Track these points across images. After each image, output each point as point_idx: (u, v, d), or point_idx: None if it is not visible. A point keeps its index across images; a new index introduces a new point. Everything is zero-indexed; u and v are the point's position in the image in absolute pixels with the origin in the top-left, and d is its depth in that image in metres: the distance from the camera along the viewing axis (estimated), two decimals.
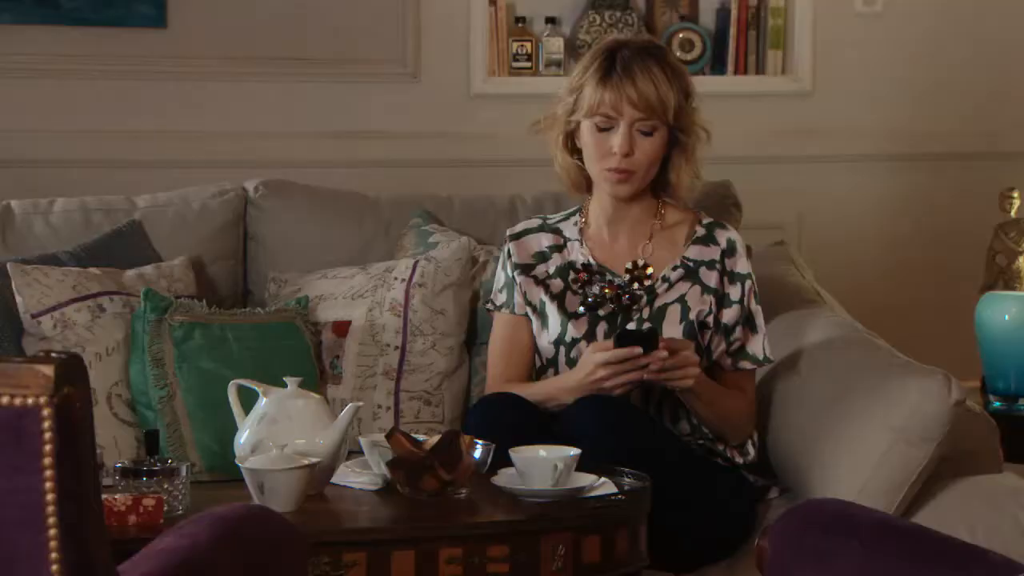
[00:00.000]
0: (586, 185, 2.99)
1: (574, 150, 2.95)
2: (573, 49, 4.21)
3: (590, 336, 2.90)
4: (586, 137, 2.89)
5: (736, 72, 4.28)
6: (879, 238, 4.37)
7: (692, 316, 2.88)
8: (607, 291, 2.92)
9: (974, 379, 3.67)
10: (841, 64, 4.31)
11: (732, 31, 4.26)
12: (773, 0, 4.27)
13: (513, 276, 2.99)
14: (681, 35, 4.26)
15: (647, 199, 2.97)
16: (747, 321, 2.92)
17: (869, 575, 1.96)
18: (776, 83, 4.30)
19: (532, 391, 2.85)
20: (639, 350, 2.70)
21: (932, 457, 2.69)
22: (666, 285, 2.92)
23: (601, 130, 2.87)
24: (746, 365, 2.92)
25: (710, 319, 2.90)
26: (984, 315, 3.63)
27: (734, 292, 2.92)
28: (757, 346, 2.92)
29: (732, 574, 2.73)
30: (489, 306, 3.05)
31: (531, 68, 4.20)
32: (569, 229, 3.02)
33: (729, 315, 2.91)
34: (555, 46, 4.20)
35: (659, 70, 2.86)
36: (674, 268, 2.93)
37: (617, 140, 2.85)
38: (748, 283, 2.93)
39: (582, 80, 2.89)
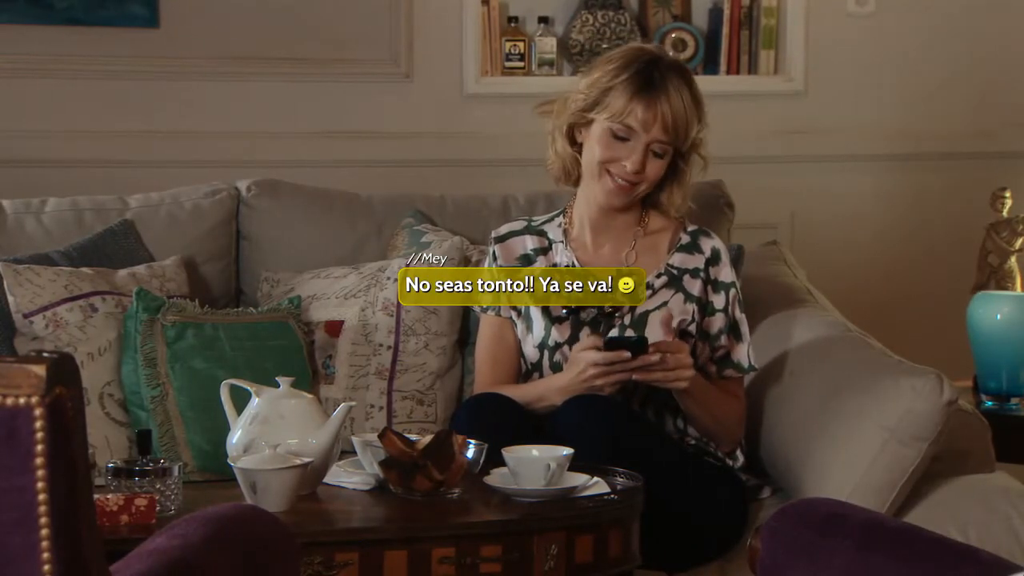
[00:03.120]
0: (576, 178, 2.98)
1: (573, 142, 2.94)
2: (566, 49, 4.22)
3: (573, 340, 2.90)
4: (597, 137, 2.87)
5: (729, 72, 4.28)
6: (871, 238, 4.37)
7: (674, 324, 2.88)
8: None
9: (966, 379, 3.67)
10: (833, 64, 4.32)
11: (725, 31, 4.26)
12: (766, 0, 4.27)
13: None
14: (674, 35, 4.26)
15: (632, 207, 2.96)
16: (732, 329, 2.92)
17: (861, 574, 1.96)
18: (769, 83, 4.30)
19: (522, 392, 2.85)
20: (627, 354, 2.70)
21: (924, 456, 2.69)
22: (649, 292, 2.92)
23: (616, 137, 2.86)
24: (731, 373, 2.92)
25: (692, 327, 2.90)
26: (976, 315, 3.63)
27: (718, 301, 2.91)
28: (742, 354, 2.92)
29: (724, 574, 2.73)
30: (476, 308, 3.05)
31: (524, 68, 4.20)
32: (553, 231, 3.02)
33: (714, 324, 2.91)
34: (548, 46, 4.20)
35: (689, 95, 2.86)
36: (658, 275, 2.93)
37: (633, 156, 2.83)
38: (732, 292, 2.92)
39: (612, 83, 2.84)
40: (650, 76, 2.84)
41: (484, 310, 3.01)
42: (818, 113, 4.32)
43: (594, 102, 2.87)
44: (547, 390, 2.82)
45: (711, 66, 4.29)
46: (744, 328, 2.93)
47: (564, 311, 2.93)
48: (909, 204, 4.37)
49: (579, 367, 2.74)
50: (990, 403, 3.57)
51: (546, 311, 2.94)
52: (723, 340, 2.91)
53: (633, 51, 2.91)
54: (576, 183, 2.99)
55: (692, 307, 2.90)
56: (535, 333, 2.94)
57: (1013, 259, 3.87)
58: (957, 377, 3.11)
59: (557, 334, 2.92)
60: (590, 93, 2.88)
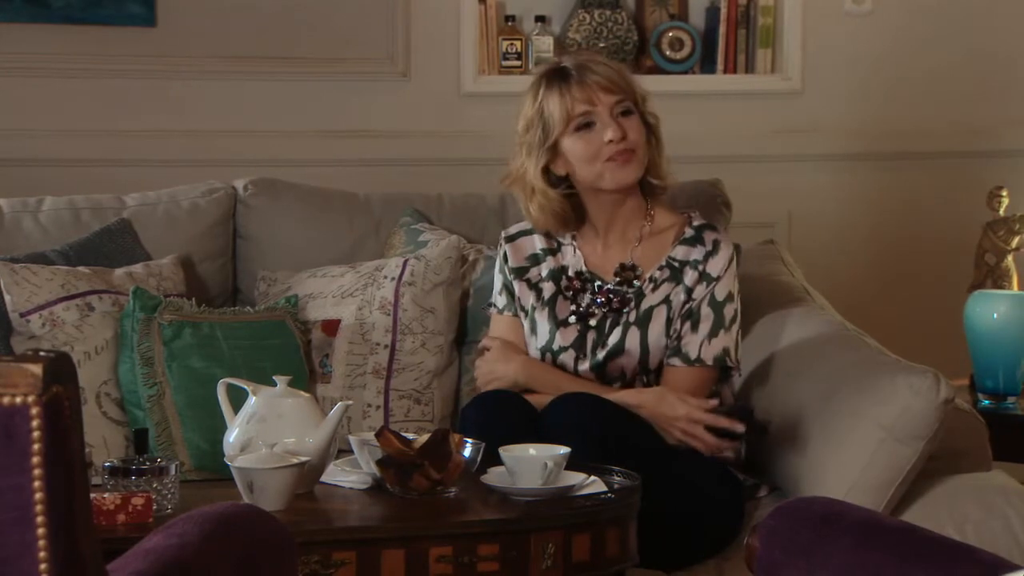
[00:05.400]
0: (574, 218, 2.97)
1: (554, 183, 2.93)
2: (563, 48, 4.21)
3: (578, 346, 2.90)
4: (572, 148, 2.88)
5: (726, 71, 4.28)
6: (868, 237, 4.37)
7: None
8: (599, 298, 2.93)
9: (963, 377, 3.67)
10: (830, 63, 4.32)
11: (722, 30, 4.26)
12: None
13: (511, 279, 2.99)
14: (671, 34, 4.26)
15: (637, 200, 2.96)
16: (690, 316, 2.90)
17: (858, 573, 1.96)
18: (766, 82, 4.30)
19: (612, 397, 2.82)
20: (741, 427, 2.75)
21: (921, 455, 2.69)
22: (652, 285, 2.92)
23: (583, 129, 2.87)
24: (675, 362, 2.88)
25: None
26: (973, 313, 3.63)
27: (699, 290, 2.90)
28: (692, 345, 2.87)
29: (721, 572, 2.73)
30: (492, 310, 3.04)
31: (521, 67, 4.20)
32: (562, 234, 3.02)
33: (685, 310, 2.90)
34: (545, 45, 4.20)
35: (605, 60, 2.93)
36: (660, 268, 2.93)
37: (608, 128, 2.85)
38: (714, 284, 2.90)
39: (539, 102, 2.90)
40: (560, 69, 2.91)
41: (500, 311, 3.01)
42: (815, 112, 4.32)
43: (543, 128, 2.89)
44: (635, 404, 2.81)
45: (708, 65, 4.29)
46: (708, 322, 2.88)
47: (571, 317, 2.93)
48: (906, 203, 4.37)
49: (676, 412, 2.77)
50: (987, 402, 3.58)
51: (552, 314, 2.94)
52: (678, 325, 2.89)
53: (537, 72, 2.97)
54: (579, 223, 2.98)
55: (683, 296, 2.90)
56: (539, 336, 2.94)
57: (1010, 258, 3.88)
58: (954, 376, 3.10)
59: (561, 339, 2.92)
60: (533, 127, 2.91)
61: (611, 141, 2.85)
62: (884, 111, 4.35)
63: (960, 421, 2.86)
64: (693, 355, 2.87)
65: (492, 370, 2.94)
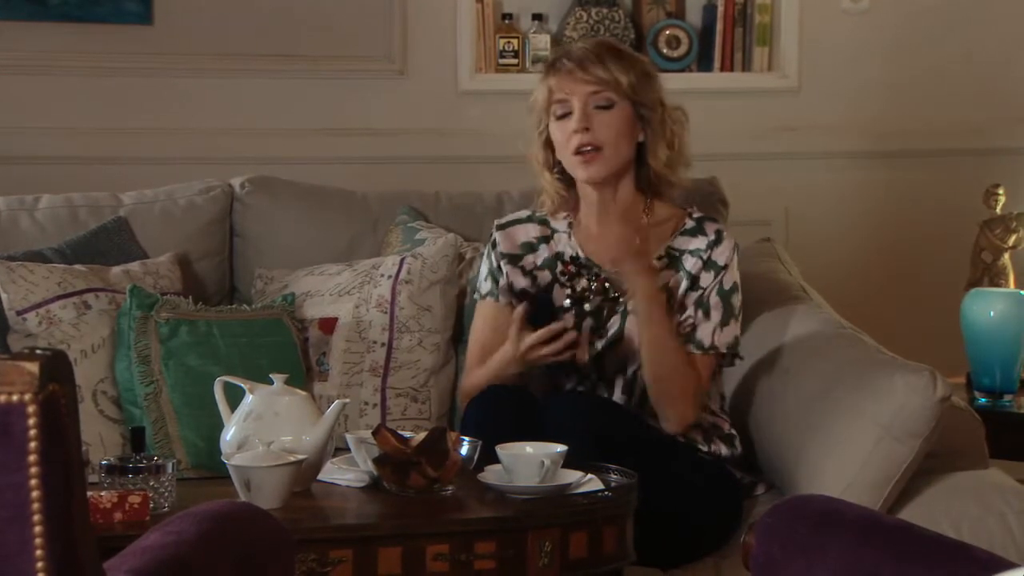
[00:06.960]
0: (572, 199, 2.99)
1: (554, 165, 2.96)
2: (560, 46, 4.21)
3: (577, 332, 2.90)
4: (554, 135, 2.92)
5: (723, 69, 4.28)
6: (865, 234, 4.37)
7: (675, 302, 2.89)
8: (595, 284, 2.93)
9: (960, 376, 3.67)
10: (827, 61, 4.32)
11: (719, 28, 4.26)
12: None
13: (499, 265, 2.99)
14: (668, 32, 4.26)
15: (632, 192, 2.96)
16: (703, 306, 2.90)
17: (855, 571, 1.96)
18: (763, 80, 4.30)
19: (482, 372, 2.88)
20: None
21: (918, 453, 2.70)
22: None
23: (562, 118, 2.88)
24: (690, 349, 2.89)
25: (677, 300, 2.89)
26: (970, 312, 3.63)
27: (705, 278, 2.90)
28: (706, 333, 2.88)
29: (719, 570, 2.73)
30: (476, 296, 3.05)
31: (518, 65, 4.20)
32: (558, 222, 3.02)
33: (690, 298, 2.89)
34: (542, 43, 4.20)
35: (608, 51, 2.90)
36: (659, 257, 2.93)
37: (574, 116, 2.86)
38: (723, 274, 2.90)
39: (536, 87, 2.94)
40: (556, 58, 2.93)
41: (483, 297, 3.01)
42: (812, 110, 4.32)
43: (536, 112, 2.94)
44: (501, 364, 2.85)
45: (705, 63, 4.28)
46: (719, 311, 2.88)
47: (567, 301, 2.93)
48: (902, 201, 4.37)
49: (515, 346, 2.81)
50: (983, 400, 3.58)
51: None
52: (690, 312, 2.89)
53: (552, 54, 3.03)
54: (577, 205, 2.99)
55: (686, 283, 2.90)
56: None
57: (1007, 256, 3.88)
58: (951, 374, 3.11)
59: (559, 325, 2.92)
60: (534, 112, 2.95)
61: (575, 131, 2.86)
62: (881, 109, 4.35)
63: (957, 419, 2.86)
64: (707, 343, 2.88)
65: (462, 388, 3.00)
